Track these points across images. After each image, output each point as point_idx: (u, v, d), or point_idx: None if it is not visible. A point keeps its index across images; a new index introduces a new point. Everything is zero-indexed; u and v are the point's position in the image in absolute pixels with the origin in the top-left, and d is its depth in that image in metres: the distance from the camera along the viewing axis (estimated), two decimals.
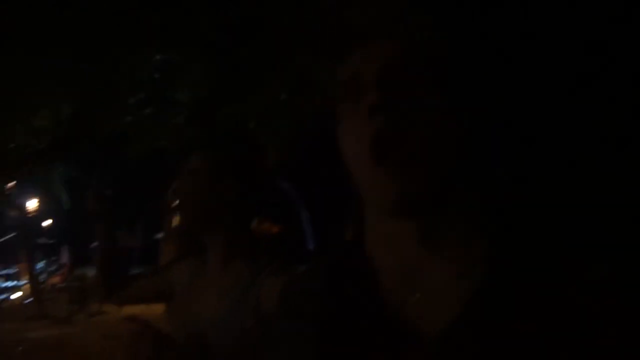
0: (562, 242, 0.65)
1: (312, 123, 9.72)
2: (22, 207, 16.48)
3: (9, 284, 17.97)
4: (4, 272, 22.49)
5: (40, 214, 20.01)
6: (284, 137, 9.95)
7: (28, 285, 15.74)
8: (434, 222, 0.65)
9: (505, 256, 0.63)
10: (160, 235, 13.76)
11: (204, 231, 1.46)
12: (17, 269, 20.13)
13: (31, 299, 14.37)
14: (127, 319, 1.35)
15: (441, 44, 0.64)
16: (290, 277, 1.28)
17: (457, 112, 0.63)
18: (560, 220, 0.71)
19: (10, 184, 14.41)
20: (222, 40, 8.96)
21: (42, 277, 18.58)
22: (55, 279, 18.28)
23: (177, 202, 1.53)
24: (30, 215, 17.39)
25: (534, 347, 0.56)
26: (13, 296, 14.70)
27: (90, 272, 15.91)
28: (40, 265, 21.26)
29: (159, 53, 9.69)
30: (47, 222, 28.89)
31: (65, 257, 23.27)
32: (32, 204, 17.72)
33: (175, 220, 7.88)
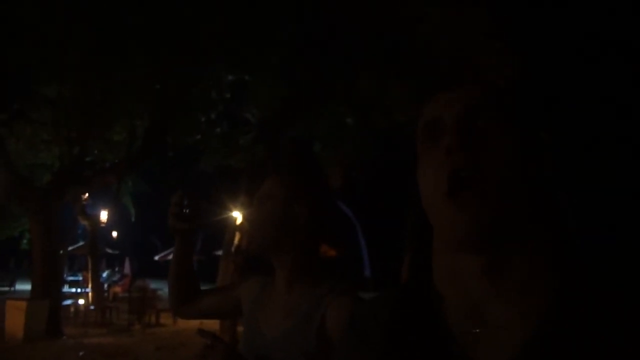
0: (626, 286, 0.65)
1: (374, 149, 9.79)
2: (93, 218, 17.20)
3: (75, 290, 18.74)
4: (71, 278, 23.50)
5: (108, 225, 20.82)
6: (348, 161, 10.04)
7: (92, 293, 16.35)
8: (500, 259, 0.66)
9: (568, 297, 0.64)
10: (220, 252, 14.07)
11: (273, 253, 1.45)
12: (83, 277, 20.97)
13: (94, 306, 14.91)
14: (198, 331, 1.39)
15: (519, 89, 0.70)
16: (357, 302, 1.28)
17: (529, 155, 0.68)
18: (625, 265, 0.70)
19: (85, 195, 15.13)
20: (292, 62, 9.21)
21: (105, 286, 19.27)
22: (117, 289, 18.90)
23: (248, 223, 1.56)
24: (99, 225, 18.12)
25: None
26: (78, 302, 15.26)
27: (151, 283, 16.31)
28: (104, 274, 22.07)
29: (231, 74, 10.06)
30: (113, 233, 30.10)
31: (127, 268, 24.08)
32: (102, 215, 18.48)
33: (237, 239, 7.97)
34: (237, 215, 11.31)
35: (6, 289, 21.46)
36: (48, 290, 11.21)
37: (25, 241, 18.90)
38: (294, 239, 1.41)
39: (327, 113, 9.19)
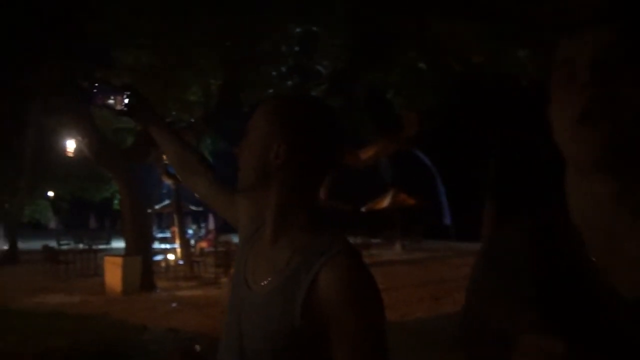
0: None
1: (451, 93, 9.43)
2: (175, 177, 17.86)
3: (164, 246, 19.77)
4: (160, 235, 24.81)
5: None
6: (423, 107, 9.75)
7: (180, 248, 17.18)
8: (634, 184, 0.68)
9: None
10: None
11: (254, 192, 1.24)
12: (171, 233, 22.05)
13: (182, 261, 15.68)
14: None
15: None
16: (357, 265, 1.05)
17: None
18: None
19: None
20: (361, 11, 8.95)
21: (192, 242, 20.19)
22: (204, 244, 19.74)
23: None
24: (182, 184, 18.80)
25: None
26: (168, 257, 16.08)
27: (234, 238, 16.76)
28: (190, 230, 23.08)
29: (301, 26, 9.93)
30: None
31: (212, 223, 25.03)
32: None
33: None
34: None
35: (103, 246, 23.01)
36: (139, 246, 11.91)
37: (116, 202, 20.04)
38: (272, 179, 1.16)
39: (398, 59, 8.88)
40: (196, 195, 1.58)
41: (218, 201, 1.49)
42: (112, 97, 1.48)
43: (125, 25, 9.39)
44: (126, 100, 1.47)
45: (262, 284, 1.13)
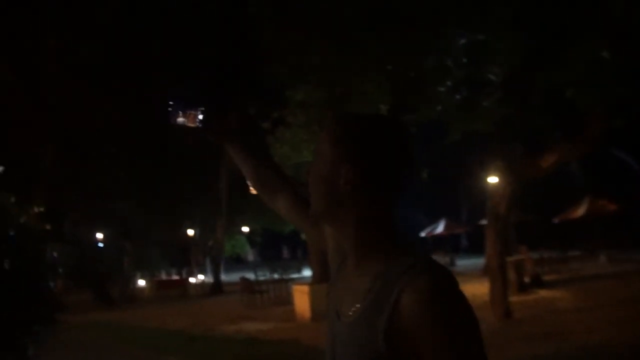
0: None
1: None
2: None
3: None
4: None
5: None
6: (610, 101, 8.52)
7: None
8: None
9: None
10: (484, 221, 13.71)
11: (329, 222, 1.21)
12: None
13: None
14: None
15: None
16: (442, 283, 0.97)
17: None
18: None
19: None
20: (527, 9, 8.29)
21: None
22: None
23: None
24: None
25: None
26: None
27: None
28: None
29: (462, 37, 9.48)
30: None
31: None
32: None
33: (494, 204, 7.48)
34: (493, 180, 10.77)
35: (295, 275, 24.30)
36: (325, 274, 12.29)
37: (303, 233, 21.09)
38: (345, 206, 1.11)
39: (578, 52, 7.98)
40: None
41: (300, 222, 1.48)
42: (185, 114, 1.51)
43: (295, 66, 9.97)
44: (200, 117, 1.49)
45: (349, 313, 1.09)
